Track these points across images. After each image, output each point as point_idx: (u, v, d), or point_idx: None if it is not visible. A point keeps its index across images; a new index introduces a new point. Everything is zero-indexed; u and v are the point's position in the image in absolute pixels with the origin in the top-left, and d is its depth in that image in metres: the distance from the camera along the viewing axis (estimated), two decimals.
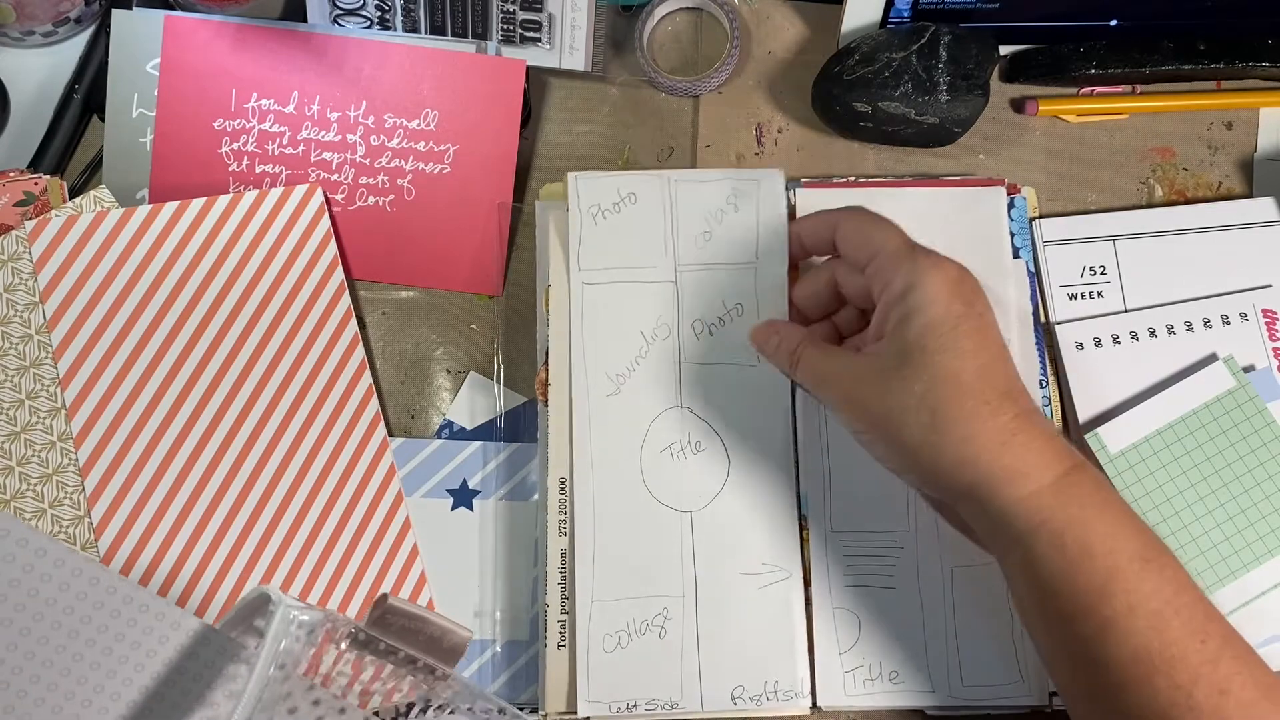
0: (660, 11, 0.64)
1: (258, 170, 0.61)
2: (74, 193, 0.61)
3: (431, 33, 0.62)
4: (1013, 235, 0.60)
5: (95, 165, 0.62)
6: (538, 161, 0.64)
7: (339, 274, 0.60)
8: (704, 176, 0.59)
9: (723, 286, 0.58)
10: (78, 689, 0.40)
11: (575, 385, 0.57)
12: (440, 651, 0.40)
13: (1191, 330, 0.59)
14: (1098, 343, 0.59)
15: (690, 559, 0.56)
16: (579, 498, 0.56)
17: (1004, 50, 0.63)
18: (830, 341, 0.55)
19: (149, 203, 0.61)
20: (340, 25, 0.61)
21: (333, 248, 0.60)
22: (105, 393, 0.57)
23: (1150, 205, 0.63)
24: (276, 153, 0.61)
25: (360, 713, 0.40)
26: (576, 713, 0.54)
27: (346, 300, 0.60)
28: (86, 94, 0.63)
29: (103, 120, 0.62)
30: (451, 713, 0.42)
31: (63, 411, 0.56)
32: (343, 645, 0.38)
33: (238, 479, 0.57)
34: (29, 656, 0.40)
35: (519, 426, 0.60)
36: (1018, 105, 0.64)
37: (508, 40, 0.62)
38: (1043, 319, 0.61)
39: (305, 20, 0.61)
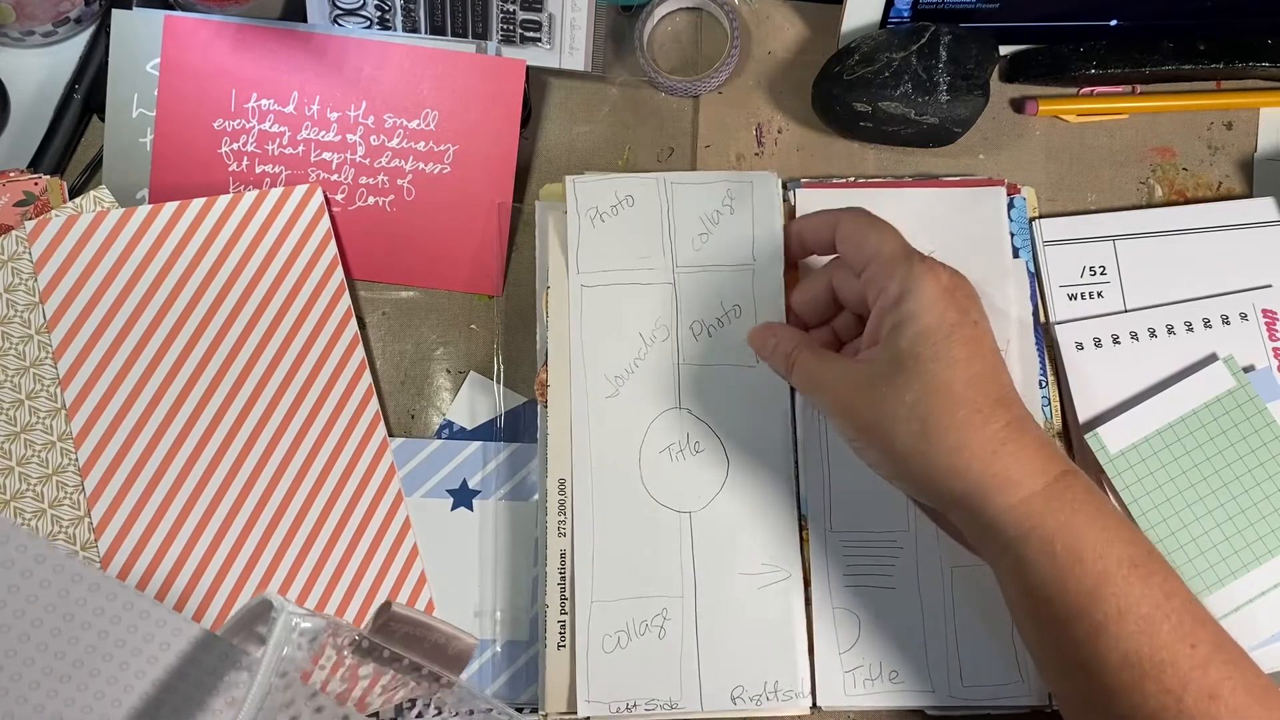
0: (660, 11, 0.64)
1: (258, 170, 0.61)
2: (74, 193, 0.61)
3: (431, 33, 0.61)
4: (1013, 235, 0.60)
5: (95, 165, 0.62)
6: (538, 161, 0.64)
7: (339, 274, 0.60)
8: (700, 179, 0.59)
9: (721, 288, 0.58)
10: (78, 695, 0.40)
11: (575, 387, 0.57)
12: (445, 659, 0.39)
13: (1191, 330, 0.59)
14: (1098, 343, 0.59)
15: (690, 559, 0.56)
16: (579, 498, 0.56)
17: (1004, 50, 0.63)
18: (828, 347, 0.55)
19: (149, 203, 0.61)
20: (340, 25, 0.61)
21: (333, 248, 0.60)
22: (105, 393, 0.57)
23: (1150, 205, 0.63)
24: (276, 153, 0.61)
25: (361, 718, 0.40)
26: (576, 713, 0.54)
27: (346, 300, 0.60)
28: (86, 94, 0.63)
29: (103, 120, 0.62)
30: (438, 713, 0.42)
31: (63, 411, 0.56)
32: (345, 652, 0.38)
33: (238, 479, 0.57)
34: (29, 662, 0.40)
35: (519, 426, 0.60)
36: (1018, 105, 0.64)
37: (508, 40, 0.62)
38: (1042, 319, 0.61)
39: (305, 20, 0.61)
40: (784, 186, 0.60)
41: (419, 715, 0.44)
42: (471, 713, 0.43)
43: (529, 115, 0.63)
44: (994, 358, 0.48)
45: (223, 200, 0.59)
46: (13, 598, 0.40)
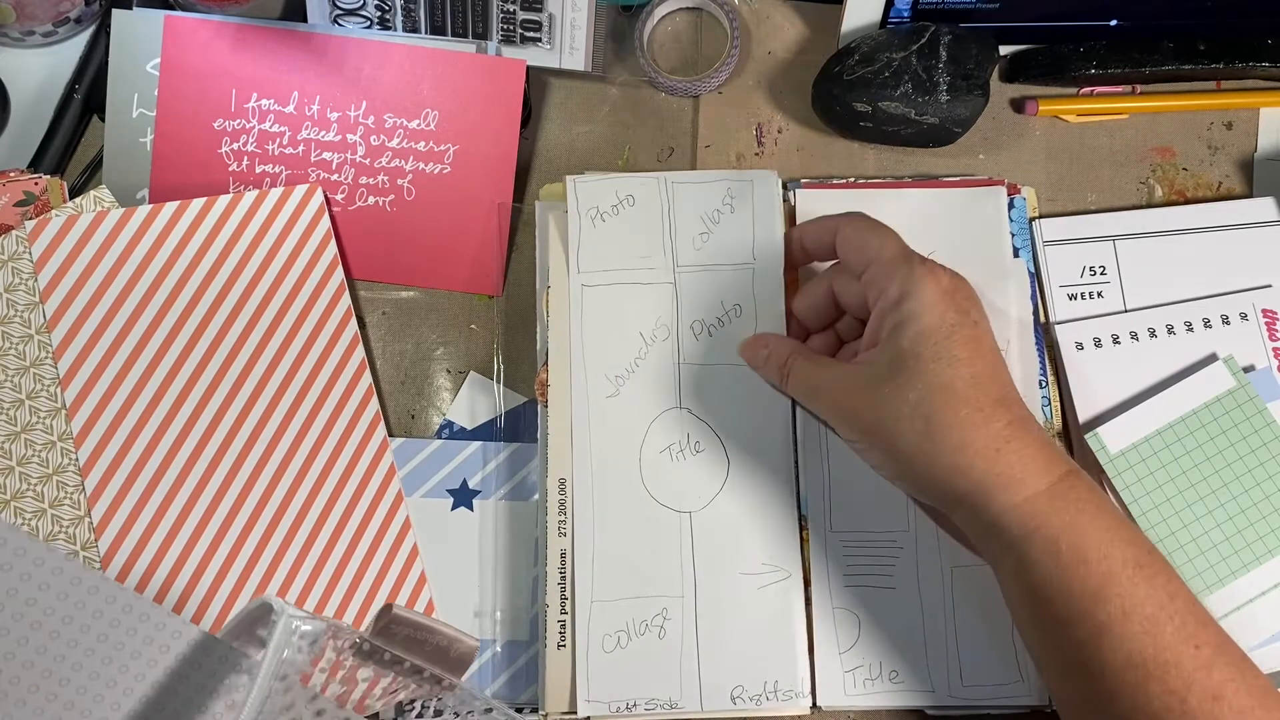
0: (660, 11, 0.64)
1: (258, 170, 0.61)
2: (74, 193, 0.61)
3: (431, 33, 0.61)
4: (1013, 235, 0.60)
5: (95, 165, 0.62)
6: (538, 161, 0.64)
7: (339, 274, 0.60)
8: (700, 178, 0.59)
9: (721, 287, 0.58)
10: (77, 699, 0.40)
11: (575, 387, 0.57)
12: (446, 661, 0.39)
13: (1191, 330, 0.59)
14: (1098, 343, 0.59)
15: (690, 559, 0.56)
16: (579, 498, 0.56)
17: (1004, 50, 0.63)
18: (830, 351, 0.55)
19: (149, 203, 0.61)
20: (340, 25, 0.61)
21: (333, 248, 0.60)
22: (105, 393, 0.57)
23: (1150, 205, 0.63)
24: (276, 153, 0.61)
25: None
26: (576, 713, 0.54)
27: (346, 300, 0.60)
28: (86, 94, 0.63)
29: (103, 120, 0.62)
30: (438, 715, 0.42)
31: (63, 411, 0.56)
32: (346, 655, 0.38)
33: (238, 478, 0.57)
34: (27, 666, 0.40)
35: (519, 426, 0.60)
36: (1018, 105, 0.64)
37: (508, 40, 0.62)
38: (1042, 319, 0.61)
39: (305, 20, 0.61)
40: (784, 186, 0.60)
41: (419, 715, 0.44)
42: (471, 713, 0.43)
43: (529, 115, 0.63)
44: (995, 358, 0.48)
45: (223, 200, 0.59)
46: (11, 600, 0.40)
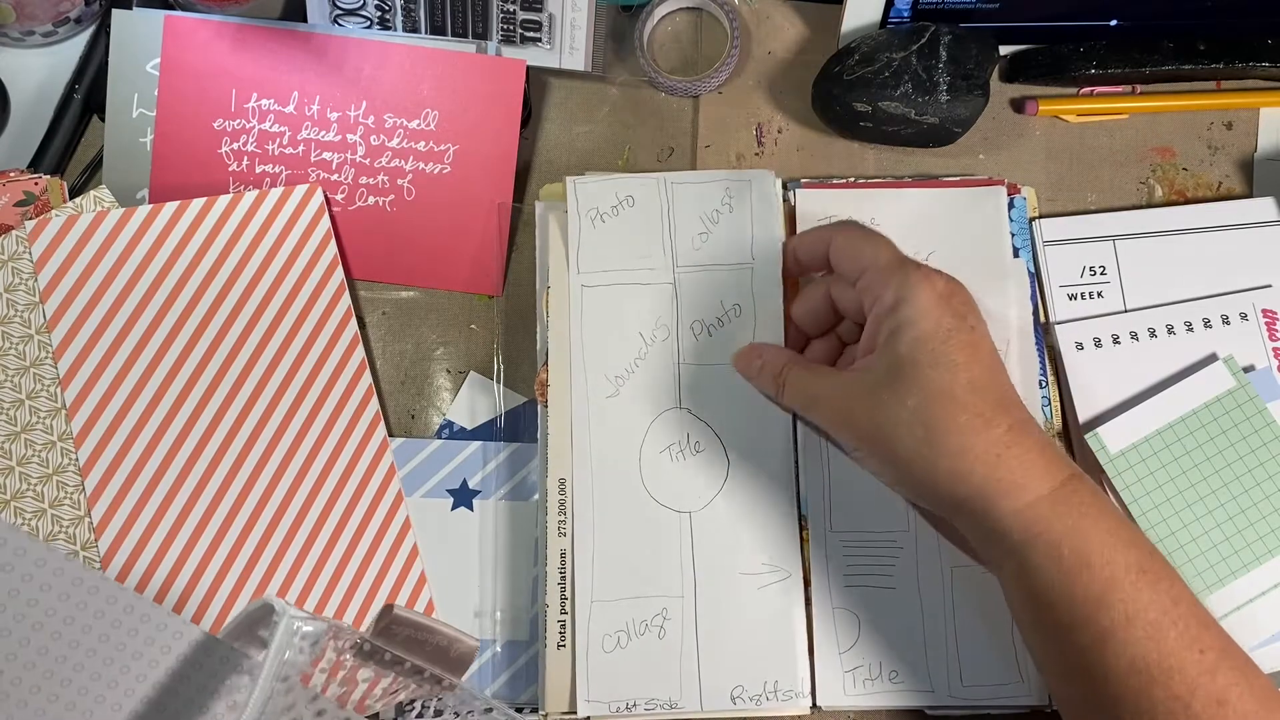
0: (660, 11, 0.64)
1: (258, 170, 0.61)
2: (74, 193, 0.61)
3: (431, 33, 0.61)
4: (1013, 235, 0.60)
5: (95, 165, 0.62)
6: (538, 161, 0.64)
7: (339, 274, 0.60)
8: (698, 178, 0.59)
9: (721, 287, 0.58)
10: (79, 700, 0.40)
11: (575, 387, 0.57)
12: (447, 661, 0.39)
13: (1191, 330, 0.59)
14: (1098, 343, 0.59)
15: (690, 559, 0.56)
16: (579, 498, 0.56)
17: (1004, 50, 0.63)
18: (831, 356, 0.55)
19: (149, 203, 0.61)
20: (340, 25, 0.61)
21: (333, 248, 0.61)
22: (105, 393, 0.57)
23: (1150, 205, 0.63)
24: (276, 153, 0.61)
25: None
26: (576, 713, 0.54)
27: (346, 300, 0.60)
28: (86, 94, 0.63)
29: (103, 120, 0.62)
30: (438, 715, 0.42)
31: (63, 411, 0.56)
32: (347, 655, 0.38)
33: (238, 478, 0.57)
34: (29, 667, 0.40)
35: (519, 426, 0.60)
36: (1018, 105, 0.64)
37: (508, 40, 0.62)
38: (1042, 319, 0.61)
39: (305, 20, 0.61)
40: (784, 186, 0.60)
41: (419, 716, 0.44)
42: (472, 713, 0.43)
43: (529, 115, 0.63)
44: (993, 362, 0.48)
45: (223, 200, 0.59)
46: (12, 602, 0.40)
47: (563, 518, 0.56)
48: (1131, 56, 0.62)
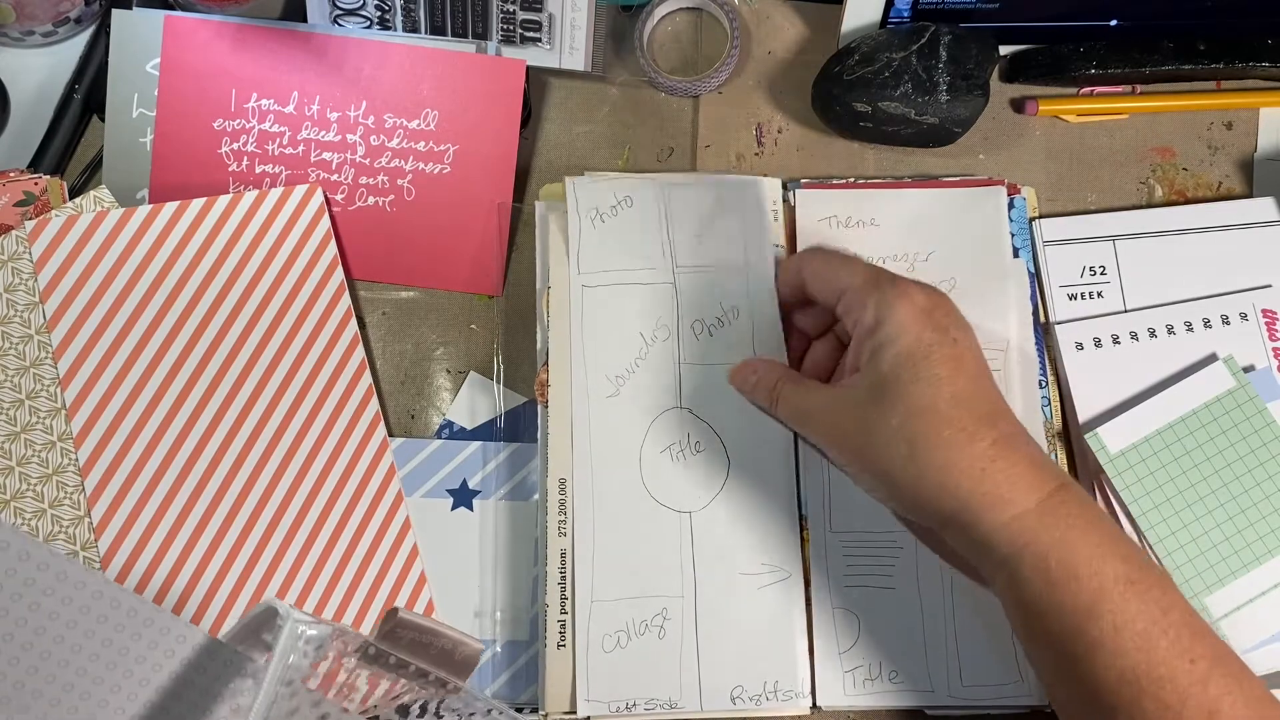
0: (660, 11, 0.64)
1: (258, 170, 0.61)
2: (74, 193, 0.61)
3: (431, 33, 0.61)
4: (1013, 235, 0.60)
5: (95, 165, 0.62)
6: (538, 161, 0.64)
7: (339, 274, 0.60)
8: (693, 181, 0.59)
9: (720, 288, 0.58)
10: (81, 704, 0.40)
11: (575, 387, 0.57)
12: (452, 664, 0.39)
13: (1191, 330, 0.59)
14: (1097, 343, 0.59)
15: (690, 559, 0.56)
16: (579, 498, 0.56)
17: (1004, 50, 0.63)
18: (833, 356, 0.55)
19: (149, 203, 0.61)
20: (340, 25, 0.61)
21: (333, 248, 0.60)
22: (105, 393, 0.57)
23: (1150, 205, 0.63)
24: (276, 153, 0.61)
25: None
26: (576, 713, 0.54)
27: (346, 300, 0.60)
28: (86, 94, 0.63)
29: (103, 120, 0.62)
30: (439, 716, 0.42)
31: (63, 411, 0.56)
32: (352, 659, 0.38)
33: (238, 479, 0.57)
34: (32, 671, 0.39)
35: (519, 426, 0.60)
36: (1018, 105, 0.64)
37: (508, 40, 0.62)
38: (1042, 319, 0.61)
39: (305, 20, 0.61)
40: (784, 187, 0.60)
41: (419, 717, 0.44)
42: (474, 714, 0.43)
43: (529, 115, 0.63)
44: (978, 372, 0.48)
45: (223, 200, 0.59)
46: (16, 605, 0.40)
47: (563, 518, 0.56)
48: (1131, 56, 0.62)
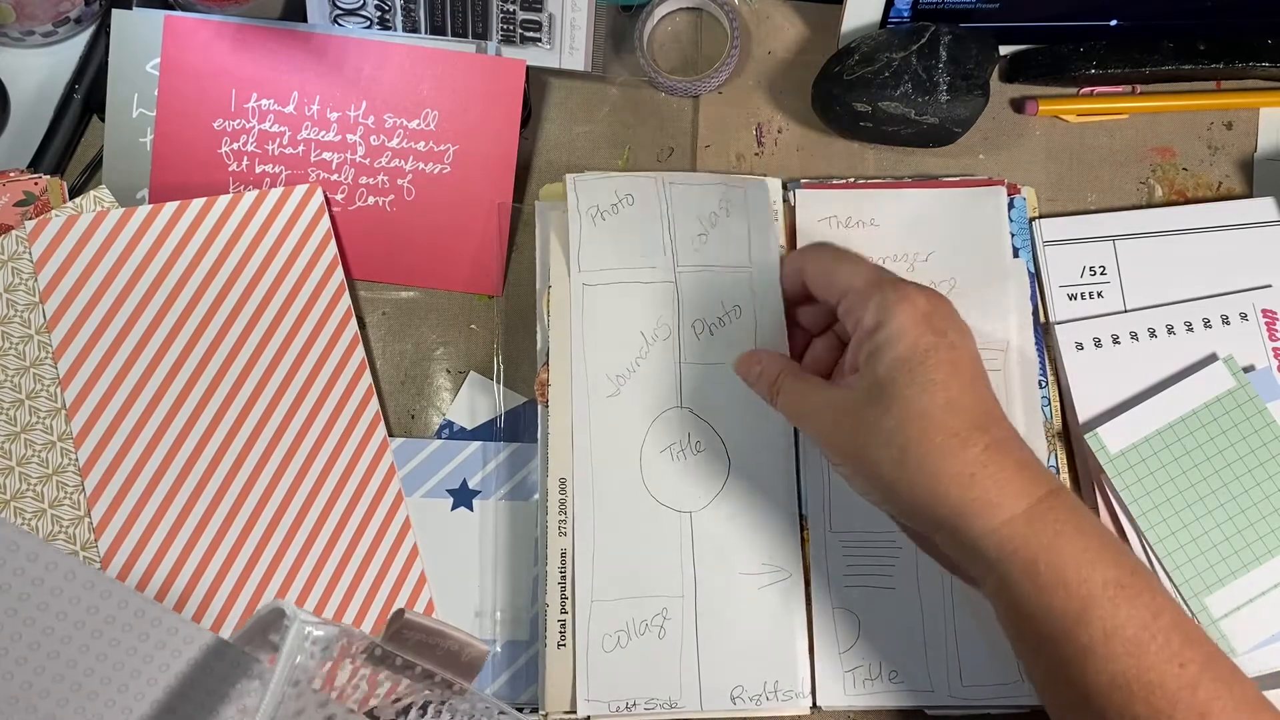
0: (660, 11, 0.64)
1: (258, 170, 0.61)
2: (74, 193, 0.61)
3: (431, 33, 0.61)
4: (1013, 235, 0.60)
5: (95, 165, 0.62)
6: (538, 161, 0.64)
7: (339, 274, 0.60)
8: (696, 180, 0.59)
9: (721, 287, 0.58)
10: (88, 704, 0.40)
11: (575, 386, 0.57)
12: (458, 665, 0.39)
13: (1191, 330, 0.59)
14: (1097, 343, 0.59)
15: (690, 559, 0.56)
16: (579, 498, 0.56)
17: (1004, 50, 0.63)
18: (834, 354, 0.55)
19: (149, 203, 0.61)
20: (340, 25, 0.61)
21: (333, 248, 0.60)
22: (105, 393, 0.57)
23: (1150, 205, 0.63)
24: (276, 153, 0.61)
25: None
26: (576, 712, 0.54)
27: (346, 300, 0.60)
28: (86, 94, 0.63)
29: (103, 120, 0.62)
30: (439, 716, 0.42)
31: (63, 411, 0.56)
32: (358, 660, 0.38)
33: (238, 479, 0.57)
34: (39, 671, 0.39)
35: (519, 426, 0.60)
36: (1018, 105, 0.64)
37: (508, 40, 0.62)
38: (1042, 319, 0.61)
39: (305, 20, 0.61)
40: (784, 187, 0.61)
41: (420, 717, 0.44)
42: (474, 715, 0.43)
43: (529, 115, 0.63)
44: (974, 377, 0.47)
45: (223, 200, 0.59)
46: (24, 606, 0.40)
47: (563, 517, 0.56)
48: (1131, 56, 0.62)
